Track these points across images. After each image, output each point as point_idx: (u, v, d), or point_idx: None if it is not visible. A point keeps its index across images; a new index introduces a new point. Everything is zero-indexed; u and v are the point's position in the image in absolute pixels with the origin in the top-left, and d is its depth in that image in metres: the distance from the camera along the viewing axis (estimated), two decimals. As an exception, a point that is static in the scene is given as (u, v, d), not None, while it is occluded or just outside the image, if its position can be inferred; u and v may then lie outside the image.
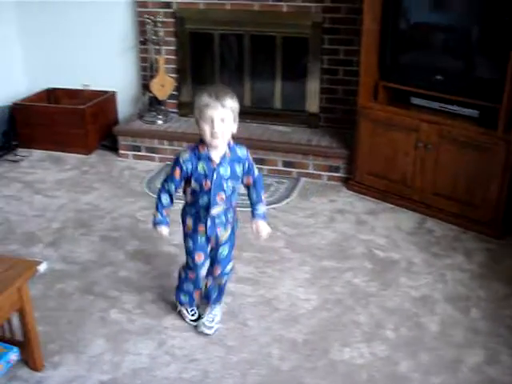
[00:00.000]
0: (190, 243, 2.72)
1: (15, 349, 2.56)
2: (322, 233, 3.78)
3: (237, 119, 2.54)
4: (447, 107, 3.89)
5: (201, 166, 2.53)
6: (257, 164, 4.53)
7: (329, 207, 4.13)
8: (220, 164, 2.54)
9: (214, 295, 2.88)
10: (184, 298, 2.89)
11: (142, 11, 4.94)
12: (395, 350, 2.75)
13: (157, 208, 2.67)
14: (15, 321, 2.54)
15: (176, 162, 2.57)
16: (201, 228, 2.66)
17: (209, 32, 4.92)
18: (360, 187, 4.31)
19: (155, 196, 4.10)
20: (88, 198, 4.26)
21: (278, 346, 2.77)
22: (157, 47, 4.95)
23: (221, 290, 2.89)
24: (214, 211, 2.60)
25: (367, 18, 3.97)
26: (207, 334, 2.81)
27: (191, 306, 2.92)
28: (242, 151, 2.63)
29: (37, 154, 5.06)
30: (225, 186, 2.57)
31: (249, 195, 2.72)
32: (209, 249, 2.75)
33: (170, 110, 5.16)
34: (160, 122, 5.00)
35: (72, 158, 4.98)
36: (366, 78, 4.12)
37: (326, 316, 2.98)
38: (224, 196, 2.59)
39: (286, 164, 4.60)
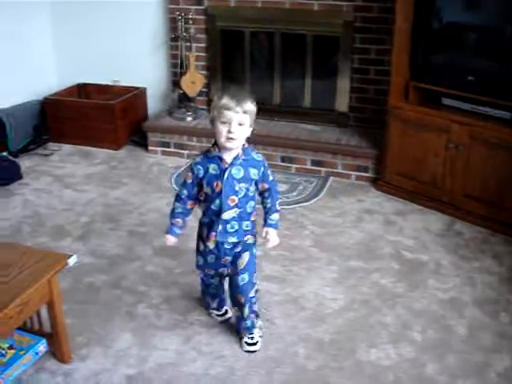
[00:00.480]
0: (201, 260, 2.73)
1: (43, 340, 2.59)
2: (350, 232, 3.76)
3: (253, 124, 2.50)
4: (479, 108, 3.85)
5: (212, 167, 2.50)
6: (285, 163, 4.61)
7: (357, 207, 4.11)
8: (232, 164, 2.48)
9: (248, 323, 2.74)
10: (207, 300, 2.92)
11: (173, 8, 4.96)
12: (422, 352, 2.73)
13: (169, 217, 2.67)
14: (44, 313, 2.57)
15: (189, 167, 2.58)
16: (212, 236, 2.59)
17: (239, 29, 4.92)
18: (388, 187, 4.29)
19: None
20: (116, 192, 4.29)
21: (304, 344, 2.76)
22: (187, 44, 4.97)
23: (252, 317, 2.74)
24: (226, 215, 2.53)
25: (399, 18, 3.94)
26: (254, 351, 2.72)
27: (216, 305, 2.92)
28: (257, 155, 2.57)
29: (67, 148, 5.10)
30: (237, 187, 2.50)
31: (263, 203, 2.65)
32: (223, 270, 2.71)
33: (200, 106, 5.17)
34: (189, 118, 5.01)
35: (101, 152, 5.02)
36: (397, 77, 4.09)
37: (353, 316, 2.97)
38: (236, 199, 2.51)
39: (315, 163, 4.59)
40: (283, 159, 4.64)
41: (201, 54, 5.05)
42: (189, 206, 2.63)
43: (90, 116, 5.06)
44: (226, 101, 2.40)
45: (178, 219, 2.65)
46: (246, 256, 2.63)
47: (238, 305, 2.71)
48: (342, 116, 4.83)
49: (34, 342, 2.58)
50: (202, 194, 2.57)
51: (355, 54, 4.66)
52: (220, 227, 2.55)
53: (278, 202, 2.65)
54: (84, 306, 3.01)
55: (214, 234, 2.58)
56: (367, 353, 2.72)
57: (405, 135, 4.09)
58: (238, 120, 2.40)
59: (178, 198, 2.63)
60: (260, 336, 2.76)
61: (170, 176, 4.56)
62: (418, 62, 4.04)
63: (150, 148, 5.01)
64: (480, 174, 3.77)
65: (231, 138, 2.41)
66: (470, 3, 3.89)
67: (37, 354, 2.57)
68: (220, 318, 2.92)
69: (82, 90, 5.53)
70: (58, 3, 5.35)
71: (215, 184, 2.49)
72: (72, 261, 2.49)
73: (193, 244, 3.55)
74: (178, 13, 4.89)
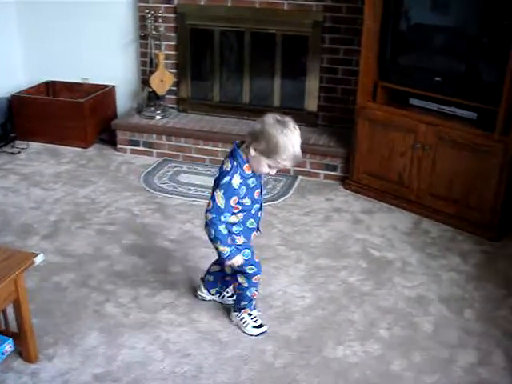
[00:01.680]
0: (257, 266, 2.76)
1: (10, 340, 2.56)
2: (318, 231, 3.79)
3: None
4: (445, 109, 3.90)
5: (251, 183, 2.54)
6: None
7: (325, 206, 4.14)
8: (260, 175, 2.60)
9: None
10: (246, 304, 2.87)
11: (142, 6, 4.94)
12: (388, 349, 2.76)
13: (222, 243, 2.56)
14: (10, 312, 2.55)
15: (230, 191, 2.48)
16: (254, 235, 2.75)
17: (209, 28, 4.92)
18: (357, 186, 4.32)
19: (152, 191, 4.12)
20: (85, 191, 4.26)
21: (272, 342, 2.77)
22: (157, 42, 4.96)
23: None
24: (260, 213, 2.70)
25: (368, 18, 3.97)
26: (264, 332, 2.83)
27: (252, 307, 2.89)
28: None
29: (35, 146, 5.05)
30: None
31: None
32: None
33: (169, 105, 5.16)
34: (158, 117, 5.00)
35: (70, 151, 4.98)
36: (365, 77, 4.12)
37: (321, 314, 2.99)
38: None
39: (284, 162, 4.59)
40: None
41: (170, 52, 5.04)
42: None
43: (58, 114, 5.01)
44: (294, 150, 2.41)
45: (229, 238, 2.62)
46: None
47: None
48: (311, 115, 4.86)
49: (0, 342, 2.55)
50: (238, 208, 2.57)
51: (324, 53, 4.69)
52: (259, 223, 2.72)
53: None
54: (51, 306, 2.99)
55: (254, 233, 2.73)
56: (334, 350, 2.74)
57: (373, 135, 4.13)
58: (290, 165, 2.51)
59: (220, 222, 2.53)
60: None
61: (139, 174, 4.55)
62: (385, 63, 4.08)
63: (118, 146, 4.98)
64: (446, 173, 3.82)
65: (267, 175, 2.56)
66: (436, 5, 3.93)
67: (3, 353, 2.54)
68: (258, 330, 2.84)
69: (51, 87, 5.48)
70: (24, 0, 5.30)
71: (255, 193, 2.58)
72: (39, 260, 2.47)
73: (162, 242, 3.58)
74: (147, 11, 4.86)
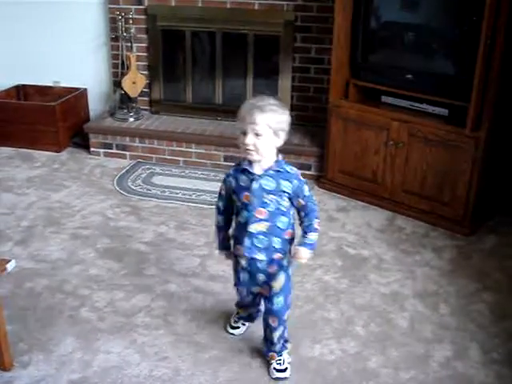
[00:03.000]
0: (235, 279, 2.61)
1: (-17, 348, 2.54)
2: (294, 230, 3.79)
3: (282, 133, 2.32)
4: (417, 106, 3.93)
5: (242, 179, 2.38)
6: (228, 162, 4.61)
7: (300, 205, 4.14)
8: (262, 176, 2.34)
9: (278, 345, 2.60)
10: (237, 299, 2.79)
11: (113, 8, 4.91)
12: (365, 346, 2.77)
13: (215, 233, 2.58)
14: (-17, 320, 2.52)
15: (223, 180, 2.48)
16: (239, 250, 2.46)
17: (180, 29, 4.90)
18: (331, 185, 4.34)
19: (126, 193, 4.10)
20: (58, 195, 4.22)
21: (249, 343, 2.77)
22: (128, 44, 4.93)
23: (283, 338, 2.62)
24: (253, 228, 2.38)
25: (338, 17, 3.99)
26: (284, 378, 2.57)
27: (236, 311, 2.83)
28: (291, 168, 2.41)
29: (6, 151, 4.99)
30: (266, 199, 2.34)
31: (300, 222, 2.44)
32: (256, 289, 2.57)
33: (142, 107, 5.14)
34: (131, 119, 4.97)
35: (42, 155, 4.93)
36: (337, 76, 4.14)
37: (297, 313, 2.99)
38: (265, 212, 2.36)
39: (258, 162, 4.60)
40: (226, 158, 4.64)
41: (142, 54, 5.02)
42: (226, 217, 2.54)
43: (30, 118, 4.96)
44: (242, 110, 2.30)
45: (223, 232, 2.57)
46: (281, 278, 2.48)
47: (269, 327, 2.56)
48: (285, 115, 4.85)
49: (-26, 350, 2.53)
50: (234, 207, 2.47)
51: (296, 52, 4.70)
52: (247, 241, 2.41)
53: (316, 221, 2.42)
54: (25, 312, 2.95)
55: (240, 247, 2.45)
56: (311, 349, 2.75)
57: (346, 133, 4.14)
58: (253, 130, 2.26)
59: (218, 210, 2.53)
60: (289, 362, 2.61)
61: (113, 178, 4.52)
62: (357, 61, 4.10)
63: (92, 150, 4.95)
64: (419, 170, 3.85)
65: (248, 150, 2.29)
66: (406, 3, 3.96)
67: (-24, 362, 2.52)
68: (229, 330, 2.83)
69: (22, 91, 5.42)
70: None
71: (243, 195, 2.37)
72: (10, 266, 2.44)
73: (137, 245, 3.56)
74: (118, 13, 4.84)
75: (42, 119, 4.94)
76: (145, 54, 5.03)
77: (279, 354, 2.61)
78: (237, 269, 2.57)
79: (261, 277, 2.49)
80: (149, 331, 2.84)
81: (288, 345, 2.65)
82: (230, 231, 2.57)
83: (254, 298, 2.65)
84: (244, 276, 2.54)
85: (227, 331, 2.84)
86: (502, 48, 3.33)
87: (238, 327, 2.85)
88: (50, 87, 5.36)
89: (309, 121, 4.83)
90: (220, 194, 2.52)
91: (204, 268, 3.33)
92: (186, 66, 5.02)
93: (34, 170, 4.65)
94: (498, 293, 3.19)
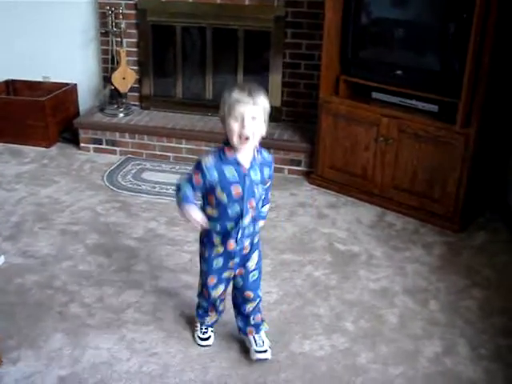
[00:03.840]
0: (205, 267, 2.55)
1: (-28, 344, 2.53)
2: (284, 226, 3.79)
3: (267, 120, 2.31)
4: (407, 102, 3.93)
5: (228, 172, 2.30)
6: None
7: (290, 201, 4.14)
8: (250, 168, 2.33)
9: (254, 321, 2.65)
10: (199, 311, 2.75)
11: (103, 2, 4.88)
12: (355, 342, 2.77)
13: (178, 198, 2.40)
14: (-28, 316, 2.51)
15: (197, 167, 2.32)
16: (231, 245, 2.42)
17: (171, 24, 4.89)
18: (321, 181, 4.34)
19: (115, 189, 4.09)
20: (48, 191, 4.20)
21: (239, 338, 2.76)
22: (118, 39, 4.91)
23: (258, 317, 2.67)
24: (246, 220, 2.38)
25: (329, 12, 3.99)
26: (265, 359, 2.61)
27: (203, 322, 2.76)
28: (268, 155, 2.43)
29: (-5, 146, 4.98)
30: (256, 192, 2.36)
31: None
32: (230, 274, 2.56)
33: (132, 102, 5.12)
34: (121, 114, 4.95)
35: (32, 150, 4.91)
36: (327, 72, 4.14)
37: (287, 309, 3.00)
38: (254, 203, 2.38)
39: (248, 157, 4.59)
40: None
41: (132, 49, 5.00)
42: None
43: (19, 113, 4.93)
44: (236, 94, 2.23)
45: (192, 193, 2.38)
46: (255, 256, 2.54)
47: (244, 300, 2.60)
48: (275, 110, 4.83)
49: (-38, 346, 2.52)
50: (214, 201, 2.36)
51: (287, 48, 4.70)
52: (240, 234, 2.40)
53: (269, 194, 2.53)
54: (14, 308, 2.94)
55: (231, 242, 2.42)
56: (301, 344, 2.75)
57: (336, 129, 4.15)
58: (251, 114, 2.22)
59: (186, 198, 2.37)
60: (269, 345, 2.64)
61: (103, 173, 4.50)
62: (347, 57, 4.10)
63: (81, 145, 4.93)
64: (409, 166, 3.86)
65: (245, 137, 2.24)
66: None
67: (-35, 358, 2.51)
68: (202, 342, 2.74)
69: (11, 86, 5.39)
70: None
71: (234, 190, 2.32)
72: (0, 261, 2.43)
73: (126, 241, 3.55)
74: (108, 7, 4.81)
75: (32, 114, 4.91)
76: (135, 49, 5.01)
77: (257, 330, 2.66)
78: (209, 257, 2.50)
79: (236, 260, 2.50)
80: (138, 327, 2.83)
81: (265, 324, 2.69)
82: (210, 225, 2.43)
83: (224, 288, 2.62)
84: (217, 262, 2.50)
85: (199, 345, 2.74)
86: (491, 44, 3.34)
87: (209, 337, 2.75)
88: (39, 82, 5.34)
89: (299, 117, 4.83)
90: (190, 180, 2.35)
91: (194, 264, 3.31)
92: (177, 62, 5.00)
93: (24, 166, 4.62)
94: (486, 289, 3.20)
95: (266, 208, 2.56)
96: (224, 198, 2.33)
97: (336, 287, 3.19)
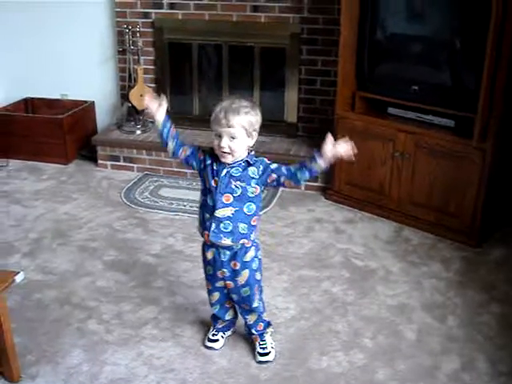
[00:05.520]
0: (204, 270, 2.68)
1: (-9, 360, 2.54)
2: (301, 242, 3.79)
3: (255, 133, 2.42)
4: (423, 117, 3.93)
5: (215, 165, 2.43)
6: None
7: (307, 217, 4.15)
8: (232, 165, 2.41)
9: (255, 330, 2.76)
10: (213, 314, 2.83)
11: (120, 21, 4.95)
12: (373, 359, 2.76)
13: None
14: (-9, 332, 2.52)
15: (202, 150, 2.50)
16: (206, 235, 2.50)
17: (187, 42, 4.93)
18: (338, 196, 4.34)
19: (133, 206, 4.11)
20: (66, 207, 4.24)
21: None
22: (135, 57, 4.96)
23: (260, 326, 2.75)
24: (219, 213, 2.43)
25: (344, 29, 4.01)
26: (267, 361, 2.72)
27: (215, 325, 2.84)
28: (259, 158, 2.48)
29: (14, 163, 5.02)
30: (233, 185, 2.42)
31: (294, 176, 2.49)
32: (222, 284, 2.64)
33: (149, 119, 5.15)
34: (138, 131, 4.99)
35: (50, 167, 4.96)
36: (343, 88, 4.15)
37: (304, 325, 2.99)
38: (231, 197, 2.42)
39: (265, 173, 4.60)
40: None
41: (149, 66, 5.05)
42: (180, 150, 2.51)
43: (38, 131, 4.99)
44: (216, 114, 2.34)
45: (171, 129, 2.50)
46: (245, 273, 2.57)
47: (244, 313, 2.72)
48: (291, 126, 4.88)
49: (-18, 362, 2.54)
50: (201, 186, 2.52)
51: (302, 65, 4.72)
52: (213, 226, 2.45)
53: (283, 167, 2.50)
54: (33, 324, 2.96)
55: (206, 233, 2.49)
56: (319, 361, 2.74)
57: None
58: (228, 134, 2.33)
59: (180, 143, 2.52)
60: (272, 347, 2.76)
61: (120, 190, 4.53)
62: (363, 73, 4.11)
63: (99, 162, 4.97)
64: (426, 181, 3.85)
65: (224, 152, 2.36)
66: (412, 15, 3.97)
67: (-16, 374, 2.52)
68: (208, 344, 2.81)
69: (30, 104, 5.46)
70: (1, 14, 5.28)
71: (213, 180, 2.43)
72: (19, 278, 2.45)
73: (144, 257, 3.57)
74: (125, 26, 4.88)
75: (50, 132, 4.96)
76: (152, 66, 5.06)
77: (262, 337, 2.76)
78: (204, 261, 2.65)
79: (225, 271, 2.58)
80: (156, 343, 2.84)
81: (269, 329, 2.79)
82: (200, 216, 2.56)
83: (220, 296, 2.72)
84: (209, 269, 2.63)
85: (205, 346, 2.81)
86: (508, 59, 3.34)
87: (217, 340, 2.82)
88: (57, 100, 5.40)
89: (315, 132, 4.83)
90: (194, 147, 2.52)
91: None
92: (193, 79, 5.04)
93: (42, 183, 4.67)
94: (505, 304, 3.18)
95: (292, 166, 2.52)
96: (207, 185, 2.47)
97: (353, 303, 3.18)
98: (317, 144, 4.64)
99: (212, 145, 2.42)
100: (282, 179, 2.48)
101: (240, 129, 2.35)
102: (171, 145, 2.50)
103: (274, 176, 2.47)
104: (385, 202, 4.09)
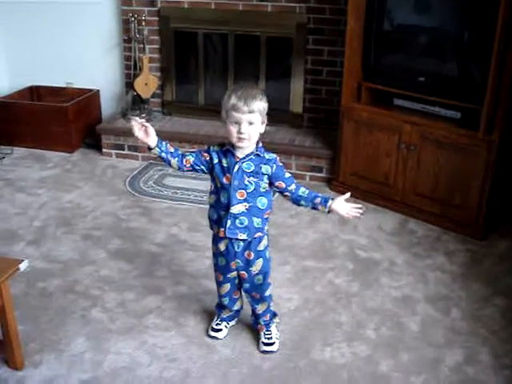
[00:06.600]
0: (214, 262, 2.69)
1: (-5, 347, 2.55)
2: (305, 233, 3.79)
3: (265, 120, 2.44)
4: (429, 109, 3.91)
5: (224, 160, 2.45)
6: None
7: (311, 207, 4.13)
8: (243, 159, 2.43)
9: (263, 321, 2.78)
10: (217, 303, 2.86)
11: (126, 9, 4.93)
12: (376, 350, 2.76)
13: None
14: (-5, 319, 2.53)
15: (206, 150, 2.50)
16: (221, 232, 2.51)
17: (193, 31, 4.91)
18: (343, 187, 4.32)
19: (137, 194, 4.11)
20: (70, 196, 4.24)
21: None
22: (141, 46, 4.95)
23: (270, 312, 2.79)
24: (234, 209, 2.46)
25: (351, 19, 3.99)
26: (271, 352, 2.73)
27: (219, 314, 2.86)
28: (269, 155, 2.48)
29: (19, 151, 5.02)
30: (246, 181, 2.44)
31: (297, 200, 2.53)
32: (234, 275, 2.66)
33: (154, 108, 5.15)
34: (143, 120, 4.96)
35: (55, 155, 4.96)
36: (349, 78, 4.13)
37: (308, 316, 2.99)
38: (245, 193, 2.45)
39: (270, 164, 4.60)
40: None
41: (154, 55, 5.03)
42: (183, 162, 2.51)
43: (42, 119, 4.98)
44: (233, 101, 2.34)
45: (169, 146, 2.54)
46: (259, 262, 2.60)
47: (254, 302, 2.74)
48: (296, 117, 4.86)
49: (-15, 350, 2.54)
50: (212, 186, 2.53)
51: (308, 55, 4.70)
52: (229, 222, 2.48)
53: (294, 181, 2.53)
54: (37, 312, 2.97)
55: (222, 230, 2.51)
56: (322, 352, 2.74)
57: (358, 136, 4.14)
58: (248, 120, 2.35)
59: (181, 156, 2.52)
60: (277, 338, 2.78)
61: (125, 178, 4.53)
62: (369, 64, 4.09)
63: (104, 150, 4.97)
64: (431, 173, 3.84)
65: (242, 138, 2.38)
66: (419, 6, 3.94)
67: (-12, 361, 2.53)
68: (212, 333, 2.83)
69: (35, 92, 5.45)
70: (6, 3, 5.26)
71: (224, 177, 2.45)
72: (23, 266, 2.45)
73: (148, 246, 3.57)
74: (130, 14, 4.86)
75: (55, 120, 4.96)
76: (157, 55, 5.04)
77: (267, 327, 2.78)
78: (215, 253, 2.65)
79: (238, 262, 2.59)
80: (159, 332, 2.84)
81: (275, 319, 2.83)
82: (208, 214, 2.59)
83: (231, 287, 2.73)
84: (221, 260, 2.63)
85: (209, 335, 2.82)
86: (515, 51, 3.32)
87: (221, 329, 2.83)
88: (62, 88, 5.39)
89: (321, 123, 4.82)
90: (198, 153, 2.51)
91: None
92: (199, 68, 5.03)
93: (47, 171, 4.67)
94: (509, 297, 3.17)
95: (319, 195, 2.53)
96: (218, 184, 2.49)
97: (357, 294, 3.17)
98: (322, 134, 4.67)
99: (228, 133, 2.40)
100: (286, 193, 2.53)
101: (257, 114, 2.38)
102: (174, 162, 2.52)
103: (283, 185, 2.50)
104: (390, 193, 4.08)
